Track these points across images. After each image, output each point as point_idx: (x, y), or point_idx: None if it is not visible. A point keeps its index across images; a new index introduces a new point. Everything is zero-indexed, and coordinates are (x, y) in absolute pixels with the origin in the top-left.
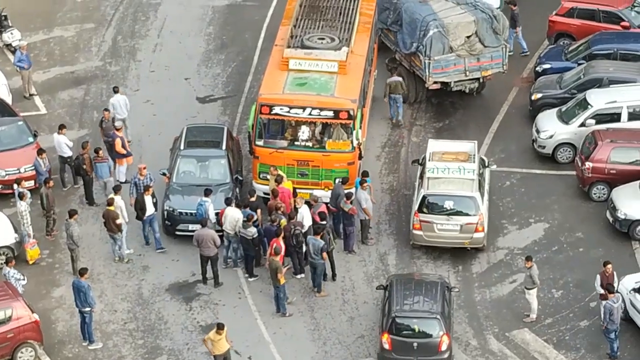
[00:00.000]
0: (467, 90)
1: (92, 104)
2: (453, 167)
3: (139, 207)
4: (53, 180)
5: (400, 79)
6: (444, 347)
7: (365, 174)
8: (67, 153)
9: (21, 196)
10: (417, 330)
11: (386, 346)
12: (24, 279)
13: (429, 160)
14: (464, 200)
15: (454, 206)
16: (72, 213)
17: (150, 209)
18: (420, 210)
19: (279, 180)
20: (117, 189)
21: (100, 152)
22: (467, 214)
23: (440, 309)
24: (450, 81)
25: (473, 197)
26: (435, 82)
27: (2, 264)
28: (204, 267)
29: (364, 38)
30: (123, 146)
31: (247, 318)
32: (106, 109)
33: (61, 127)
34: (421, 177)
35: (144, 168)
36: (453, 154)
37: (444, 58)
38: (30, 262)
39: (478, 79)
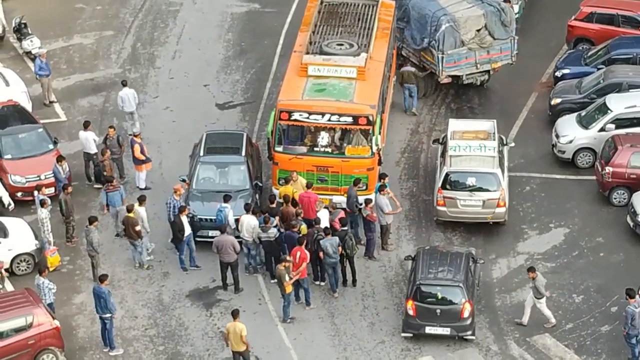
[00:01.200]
0: (477, 83)
1: (111, 110)
2: (474, 145)
3: (177, 229)
4: (72, 186)
5: (413, 69)
6: (466, 314)
7: (382, 175)
8: (93, 150)
9: (42, 203)
10: (440, 297)
11: (410, 312)
12: (54, 288)
13: (451, 139)
14: (486, 176)
15: (476, 182)
16: (92, 220)
17: (187, 229)
18: (443, 187)
19: (308, 185)
20: (141, 200)
21: (115, 181)
22: (488, 190)
23: (463, 278)
24: (462, 74)
25: (494, 173)
26: (447, 76)
27: (24, 270)
28: (223, 273)
29: (383, 44)
30: (142, 152)
31: (268, 324)
32: (111, 127)
33: (87, 123)
34: (442, 155)
35: (180, 188)
36: (473, 132)
37: (457, 52)
38: (51, 269)
39: (488, 71)
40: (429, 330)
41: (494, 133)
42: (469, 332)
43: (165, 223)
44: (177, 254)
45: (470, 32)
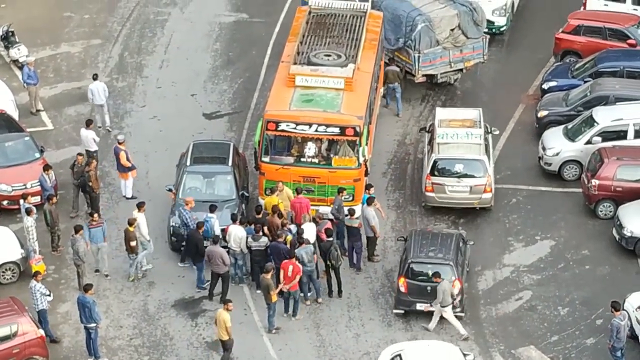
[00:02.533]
0: (451, 81)
1: (98, 119)
2: (461, 132)
3: (194, 242)
4: (59, 195)
5: (397, 68)
6: (455, 292)
7: (369, 186)
8: (94, 147)
9: (28, 212)
10: (430, 275)
11: (402, 289)
12: (49, 295)
13: (438, 127)
14: (473, 163)
15: (463, 169)
16: (77, 229)
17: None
18: (432, 173)
19: (298, 190)
20: (140, 206)
21: (95, 215)
22: (475, 176)
23: (453, 257)
24: (436, 73)
25: (481, 160)
26: (422, 75)
27: (9, 279)
28: (213, 282)
29: (371, 55)
30: (127, 159)
31: (253, 334)
32: (80, 154)
33: (89, 122)
34: (430, 143)
35: (191, 201)
36: (460, 120)
37: (432, 51)
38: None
39: (461, 69)
40: (419, 306)
41: (480, 121)
42: (459, 309)
43: (151, 233)
44: (187, 267)
45: (444, 31)
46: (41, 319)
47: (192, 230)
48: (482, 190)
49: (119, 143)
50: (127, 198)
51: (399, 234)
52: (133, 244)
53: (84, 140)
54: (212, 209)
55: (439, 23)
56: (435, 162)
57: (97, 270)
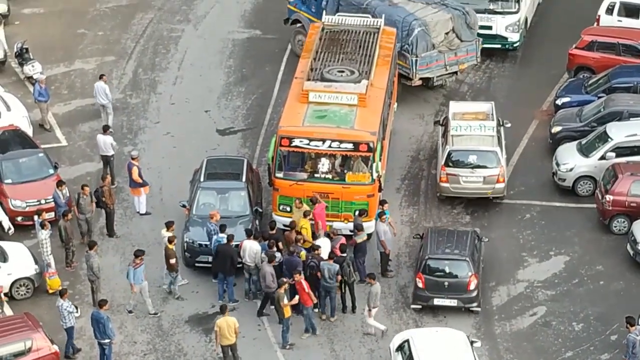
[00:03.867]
0: (446, 84)
1: (113, 136)
2: (474, 125)
3: (228, 255)
4: (72, 212)
5: None
6: (472, 287)
7: (382, 202)
8: (110, 152)
9: (42, 225)
10: (447, 271)
11: (420, 285)
12: (77, 312)
13: (452, 119)
14: (486, 154)
15: (477, 160)
16: (92, 244)
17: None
18: (446, 164)
19: (314, 200)
20: (169, 225)
21: (139, 259)
22: (489, 167)
23: (469, 253)
24: (433, 76)
25: (494, 151)
26: (419, 79)
27: (23, 295)
28: (264, 303)
29: (384, 71)
30: (140, 175)
31: (267, 350)
32: (85, 185)
33: (106, 127)
34: (444, 135)
35: (217, 214)
36: (473, 113)
37: (428, 55)
38: (50, 292)
39: (455, 72)
40: (437, 302)
41: (492, 114)
42: (475, 304)
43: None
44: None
45: (440, 35)
46: (68, 336)
47: (223, 245)
48: (495, 181)
49: (132, 159)
50: (141, 214)
51: (412, 250)
52: (172, 261)
53: (101, 146)
54: (222, 229)
55: (434, 27)
56: (449, 153)
57: (130, 312)
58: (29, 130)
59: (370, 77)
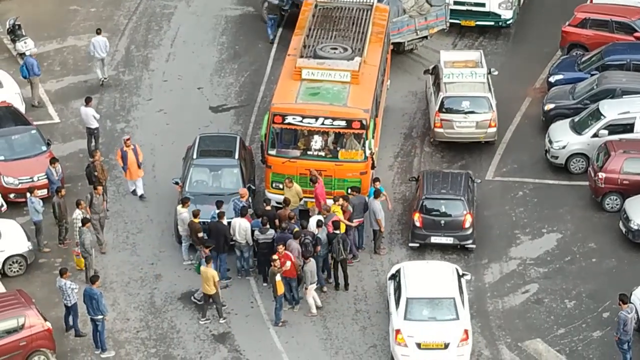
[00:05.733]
0: (416, 48)
1: (105, 112)
2: (466, 72)
3: (221, 233)
4: (65, 189)
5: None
6: (467, 225)
7: (376, 180)
8: (94, 125)
9: (78, 204)
10: (443, 210)
11: (417, 224)
12: (77, 287)
13: (444, 67)
14: (478, 100)
15: (469, 106)
16: (84, 221)
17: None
18: (440, 110)
19: (314, 180)
20: (184, 202)
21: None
22: (481, 112)
23: (463, 193)
24: (404, 41)
25: (486, 96)
26: (391, 44)
27: (16, 272)
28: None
29: (377, 48)
30: (136, 156)
31: (260, 327)
32: (98, 185)
33: (88, 99)
34: (434, 84)
35: (246, 192)
36: (463, 61)
37: (399, 20)
38: (77, 269)
39: (426, 36)
40: (434, 239)
41: (481, 61)
42: (470, 241)
43: (158, 226)
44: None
45: (410, 0)
46: (72, 312)
47: (216, 223)
48: (487, 125)
49: (125, 143)
50: (140, 197)
51: (404, 227)
52: (200, 234)
53: (84, 118)
54: (219, 204)
55: None
56: (443, 100)
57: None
58: (21, 107)
59: (363, 54)
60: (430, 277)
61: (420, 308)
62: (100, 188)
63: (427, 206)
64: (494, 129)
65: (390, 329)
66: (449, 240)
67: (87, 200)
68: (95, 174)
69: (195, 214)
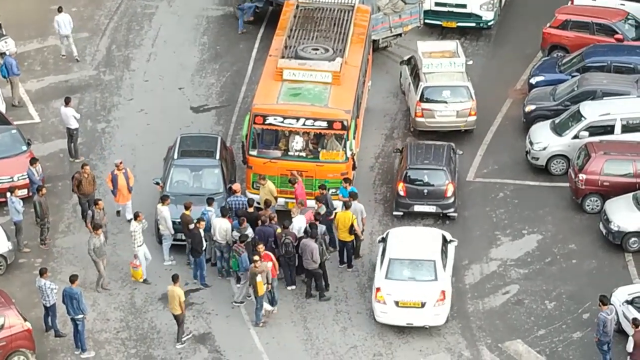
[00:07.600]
0: (391, 46)
1: (85, 112)
2: (445, 62)
3: (198, 239)
4: (46, 188)
5: None
6: (449, 194)
7: (346, 180)
8: (74, 125)
9: (136, 216)
10: (426, 180)
11: (401, 193)
12: (56, 288)
13: (423, 57)
14: (458, 89)
15: (450, 95)
16: (96, 227)
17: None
18: (421, 100)
19: (293, 181)
20: (164, 199)
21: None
22: (461, 101)
23: (446, 163)
24: (379, 38)
25: (466, 85)
26: None
27: None
28: (309, 282)
29: (358, 49)
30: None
31: (240, 328)
32: (98, 200)
33: (67, 99)
34: (412, 74)
35: (239, 187)
36: (440, 52)
37: (374, 17)
38: (133, 280)
39: (400, 34)
40: (417, 208)
41: (457, 51)
42: (452, 210)
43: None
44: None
45: None
46: (50, 312)
47: (194, 229)
48: (467, 114)
49: (117, 167)
50: (128, 220)
51: (386, 228)
52: (191, 226)
53: (63, 119)
54: (210, 202)
55: None
56: (423, 90)
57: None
58: (1, 107)
59: (344, 55)
60: (414, 240)
61: (401, 268)
62: (101, 203)
63: (411, 176)
64: (474, 117)
65: (373, 287)
66: (431, 208)
67: (89, 216)
68: (80, 187)
69: (187, 207)
